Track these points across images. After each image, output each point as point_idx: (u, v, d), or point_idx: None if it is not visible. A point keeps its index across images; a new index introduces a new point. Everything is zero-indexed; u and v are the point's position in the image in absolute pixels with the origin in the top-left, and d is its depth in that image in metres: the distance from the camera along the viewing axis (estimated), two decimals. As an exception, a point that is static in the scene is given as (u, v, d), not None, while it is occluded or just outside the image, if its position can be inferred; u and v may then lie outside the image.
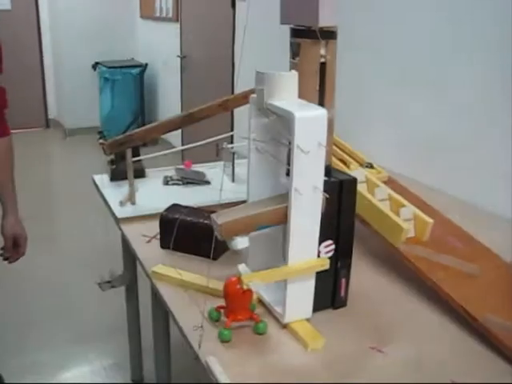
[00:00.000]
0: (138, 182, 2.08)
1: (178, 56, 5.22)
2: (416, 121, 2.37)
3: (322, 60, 1.25)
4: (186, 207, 1.71)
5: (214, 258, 1.57)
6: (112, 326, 2.81)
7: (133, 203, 1.94)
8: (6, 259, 1.80)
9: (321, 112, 1.15)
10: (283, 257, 1.24)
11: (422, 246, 1.50)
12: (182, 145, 4.84)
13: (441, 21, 2.19)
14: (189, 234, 1.60)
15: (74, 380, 2.51)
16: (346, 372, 1.14)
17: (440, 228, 1.59)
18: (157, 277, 1.49)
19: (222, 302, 1.26)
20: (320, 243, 1.25)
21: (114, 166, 2.16)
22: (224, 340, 1.20)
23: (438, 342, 1.25)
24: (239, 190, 1.81)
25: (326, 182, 1.20)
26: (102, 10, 6.33)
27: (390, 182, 1.86)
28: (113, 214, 1.89)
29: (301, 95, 1.22)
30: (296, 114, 1.10)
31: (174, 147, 4.03)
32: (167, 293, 1.42)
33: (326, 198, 1.20)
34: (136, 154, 2.05)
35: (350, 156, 1.97)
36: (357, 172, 1.71)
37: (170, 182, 2.18)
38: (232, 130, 3.98)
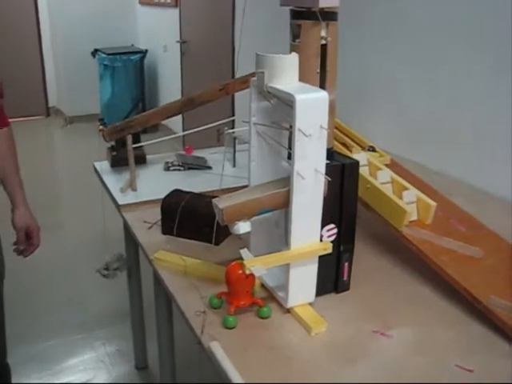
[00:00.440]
0: (139, 169, 2.07)
1: (178, 41, 5.19)
2: (419, 104, 2.35)
3: (323, 42, 1.24)
4: (188, 193, 1.70)
5: (216, 243, 1.57)
6: (116, 312, 2.82)
7: (134, 189, 1.93)
8: (20, 253, 1.75)
9: (322, 94, 1.14)
10: (285, 241, 1.23)
11: (425, 229, 1.49)
12: (183, 130, 4.81)
13: (443, 3, 2.16)
14: (190, 219, 1.60)
15: (79, 366, 2.52)
16: (349, 356, 1.14)
17: (443, 211, 1.58)
18: (159, 263, 1.48)
19: (224, 287, 1.25)
20: (322, 227, 1.24)
21: (114, 153, 2.15)
22: (229, 326, 1.20)
23: (442, 325, 1.25)
24: (240, 175, 1.81)
25: (327, 165, 1.19)
26: (100, -4, 6.28)
27: (392, 165, 1.84)
28: (114, 201, 1.89)
29: (302, 78, 1.20)
30: (297, 97, 1.09)
31: (174, 133, 4.01)
32: (169, 279, 1.42)
33: (328, 182, 1.19)
34: (136, 140, 2.05)
35: (352, 139, 1.96)
36: (359, 155, 1.70)
37: (171, 168, 2.17)
38: (233, 115, 3.97)
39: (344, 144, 1.91)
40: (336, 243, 1.30)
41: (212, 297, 1.27)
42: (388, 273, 1.47)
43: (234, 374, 1.04)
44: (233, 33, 4.04)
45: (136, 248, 2.11)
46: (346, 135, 1.98)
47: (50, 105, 7.01)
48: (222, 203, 1.18)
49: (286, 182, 1.19)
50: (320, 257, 1.24)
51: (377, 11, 2.51)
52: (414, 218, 1.53)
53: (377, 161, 1.75)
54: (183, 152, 2.31)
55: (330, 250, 1.24)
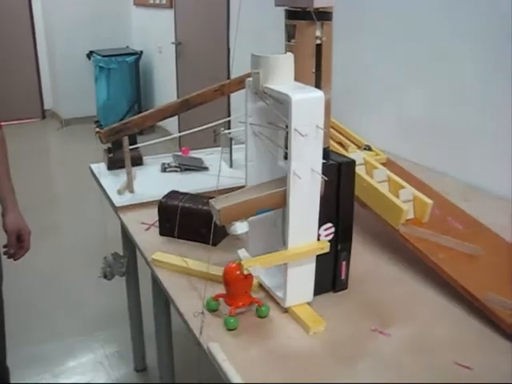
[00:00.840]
0: (136, 170, 2.07)
1: (173, 42, 5.19)
2: (415, 103, 2.36)
3: (318, 42, 1.24)
4: (185, 194, 1.70)
5: (214, 244, 1.57)
6: (115, 315, 2.82)
7: (131, 191, 1.93)
8: (10, 257, 1.76)
9: (318, 94, 1.14)
10: (283, 241, 1.23)
11: (421, 228, 1.49)
12: (179, 132, 4.82)
13: (442, 2, 2.16)
14: (188, 220, 1.60)
15: (78, 368, 2.52)
16: (348, 354, 1.14)
17: (440, 209, 1.58)
18: (157, 264, 1.48)
19: (222, 288, 1.25)
20: (320, 226, 1.25)
21: (111, 155, 2.14)
22: (230, 328, 1.20)
23: (440, 322, 1.25)
24: (237, 176, 1.81)
25: (324, 164, 1.19)
26: (95, -2, 6.28)
27: (388, 164, 1.85)
28: (111, 203, 1.89)
29: (297, 78, 1.20)
30: (293, 97, 1.09)
31: (170, 134, 4.01)
32: (167, 280, 1.42)
33: (325, 181, 1.19)
34: (133, 141, 2.04)
35: (348, 139, 1.97)
36: (355, 154, 1.70)
37: (168, 169, 2.17)
38: (229, 115, 3.97)
39: (340, 143, 1.92)
40: (333, 242, 1.30)
41: (209, 300, 1.26)
42: (386, 271, 1.47)
43: (233, 374, 1.04)
44: (228, 33, 4.04)
45: (134, 249, 2.11)
46: (342, 134, 1.99)
47: (46, 107, 6.99)
48: (218, 204, 1.18)
49: (282, 181, 1.19)
50: (317, 256, 1.24)
51: (373, 9, 2.51)
52: (411, 216, 1.54)
53: (373, 160, 1.75)
54: (180, 153, 2.31)
55: (327, 249, 1.25)
